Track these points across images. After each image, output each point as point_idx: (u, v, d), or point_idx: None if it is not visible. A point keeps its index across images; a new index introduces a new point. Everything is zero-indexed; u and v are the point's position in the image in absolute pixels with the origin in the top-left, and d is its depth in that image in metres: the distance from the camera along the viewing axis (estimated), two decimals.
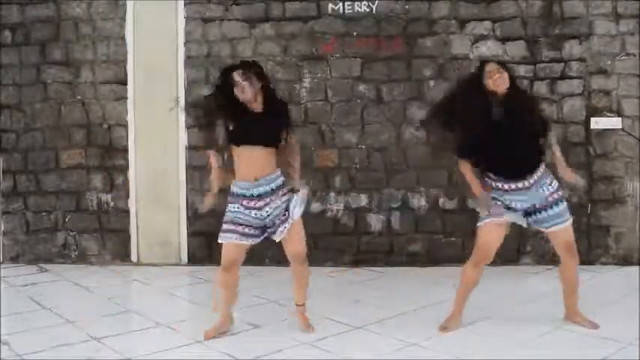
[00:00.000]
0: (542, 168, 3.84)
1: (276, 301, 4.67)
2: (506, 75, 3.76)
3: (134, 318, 4.47)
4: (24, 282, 5.39)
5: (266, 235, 3.85)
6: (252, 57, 5.73)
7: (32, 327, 4.15)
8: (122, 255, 6.06)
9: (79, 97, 6.05)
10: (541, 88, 5.75)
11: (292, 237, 3.81)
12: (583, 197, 5.75)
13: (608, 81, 5.74)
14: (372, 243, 5.91)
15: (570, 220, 3.90)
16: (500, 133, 3.71)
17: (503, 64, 3.88)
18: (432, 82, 5.81)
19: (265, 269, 5.54)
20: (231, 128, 3.69)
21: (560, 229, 3.86)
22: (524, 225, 3.97)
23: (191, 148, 5.93)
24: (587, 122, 5.76)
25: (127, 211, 6.05)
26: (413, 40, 5.84)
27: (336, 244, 5.89)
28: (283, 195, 3.79)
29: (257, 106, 3.72)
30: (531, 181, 3.77)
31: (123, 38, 5.99)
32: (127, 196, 6.04)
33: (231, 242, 3.77)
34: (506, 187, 3.80)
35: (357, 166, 5.90)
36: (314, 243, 5.84)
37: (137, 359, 3.57)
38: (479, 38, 5.80)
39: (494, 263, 5.98)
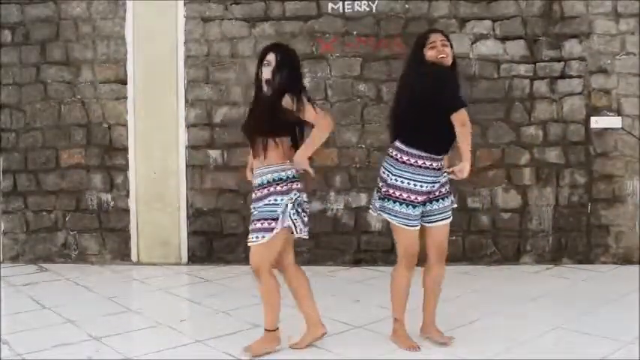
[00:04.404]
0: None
1: None
2: (449, 50, 3.53)
3: (134, 318, 4.47)
4: (24, 282, 5.39)
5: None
6: (252, 56, 5.75)
7: (32, 327, 4.14)
8: (122, 255, 6.06)
9: (78, 97, 6.06)
10: (541, 87, 5.75)
11: (251, 247, 3.45)
12: (583, 196, 5.77)
13: (608, 80, 5.75)
14: (372, 242, 5.90)
15: (450, 219, 3.63)
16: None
17: (447, 37, 3.62)
18: None
19: None
20: None
21: (445, 224, 3.58)
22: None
23: (191, 147, 5.95)
24: (587, 121, 5.76)
25: (127, 211, 6.05)
26: (413, 39, 5.79)
27: (336, 243, 5.89)
28: (268, 195, 3.38)
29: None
30: (443, 162, 3.54)
31: (123, 38, 5.99)
32: (127, 196, 6.05)
33: None
34: (434, 165, 3.47)
35: (357, 165, 5.90)
36: (314, 242, 5.86)
37: (137, 359, 3.57)
38: (479, 37, 5.79)
39: (493, 262, 5.99)
